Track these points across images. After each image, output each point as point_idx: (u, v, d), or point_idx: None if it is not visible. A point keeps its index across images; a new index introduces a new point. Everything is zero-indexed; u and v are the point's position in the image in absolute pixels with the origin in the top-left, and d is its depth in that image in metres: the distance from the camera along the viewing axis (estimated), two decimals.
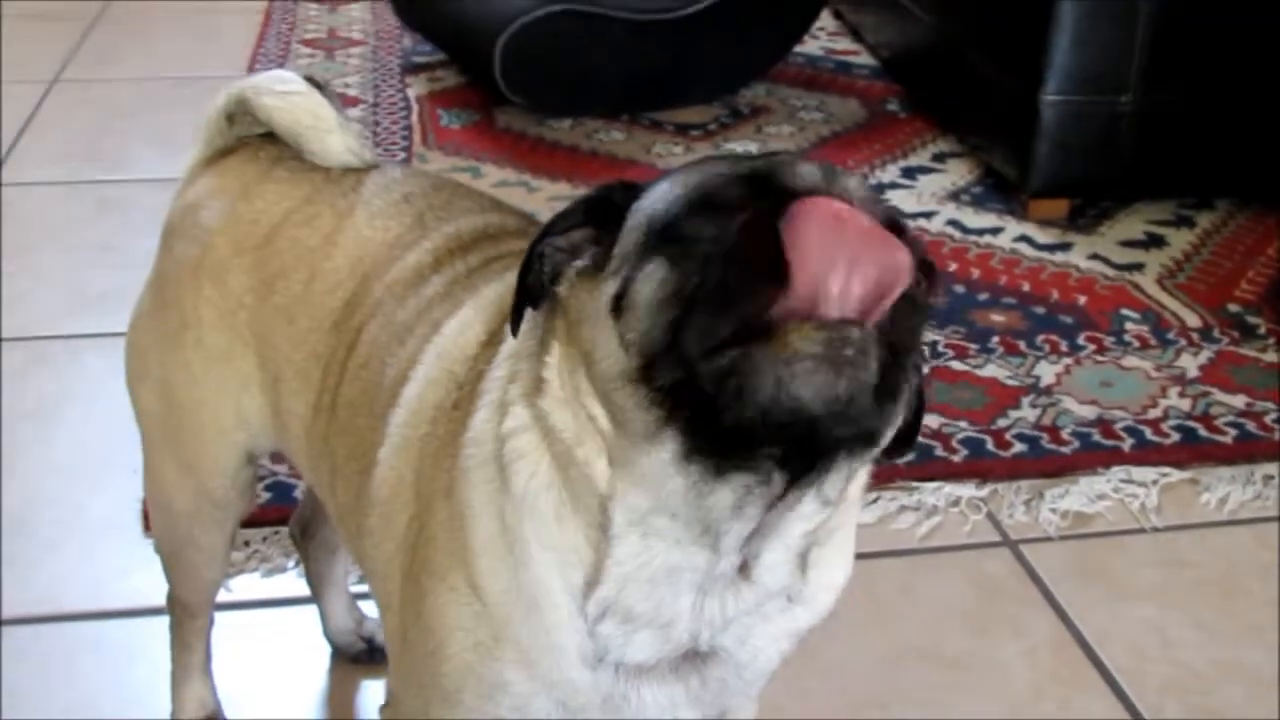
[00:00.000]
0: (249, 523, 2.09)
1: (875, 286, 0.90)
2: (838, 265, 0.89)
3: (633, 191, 1.08)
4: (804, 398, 0.90)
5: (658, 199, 1.04)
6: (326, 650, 1.98)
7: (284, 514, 2.15)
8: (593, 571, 1.08)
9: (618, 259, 1.03)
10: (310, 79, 1.53)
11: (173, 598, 1.75)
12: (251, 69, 4.23)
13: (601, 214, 1.08)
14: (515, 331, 1.11)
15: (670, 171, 1.08)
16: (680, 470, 0.99)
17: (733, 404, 0.91)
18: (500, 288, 1.28)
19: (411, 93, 4.12)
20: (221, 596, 1.88)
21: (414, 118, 3.92)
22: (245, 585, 2.10)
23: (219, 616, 1.83)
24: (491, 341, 1.21)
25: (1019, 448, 2.45)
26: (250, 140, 1.56)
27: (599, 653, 1.12)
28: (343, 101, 3.96)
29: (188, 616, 1.76)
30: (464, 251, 1.37)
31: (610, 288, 1.01)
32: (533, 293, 1.09)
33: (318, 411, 1.41)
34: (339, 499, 1.39)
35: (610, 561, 1.07)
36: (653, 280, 0.98)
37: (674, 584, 1.08)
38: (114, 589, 2.08)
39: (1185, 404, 2.59)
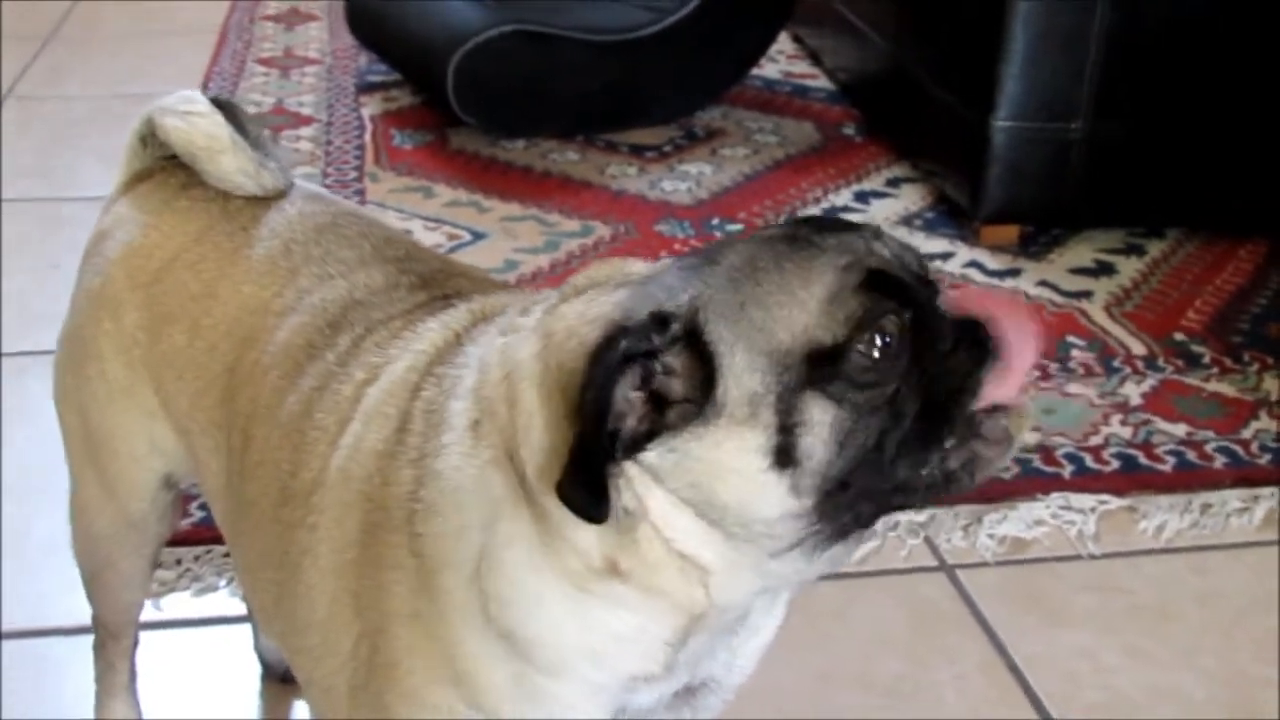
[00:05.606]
0: (180, 541, 2.09)
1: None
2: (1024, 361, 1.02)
3: (664, 322, 0.98)
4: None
5: (764, 326, 0.97)
6: (258, 669, 1.97)
7: (215, 533, 2.13)
8: (647, 673, 1.10)
9: (743, 403, 0.97)
10: (217, 100, 1.49)
11: (96, 618, 1.74)
12: (206, 87, 4.22)
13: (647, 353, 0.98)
14: (595, 515, 0.98)
15: (718, 277, 1.00)
16: (811, 561, 1.04)
17: (943, 491, 1.01)
18: (376, 391, 1.22)
19: (366, 112, 4.11)
20: (152, 615, 1.87)
21: (367, 137, 3.91)
22: (176, 604, 2.08)
23: (149, 636, 1.83)
24: (389, 454, 1.16)
25: None
26: (166, 165, 1.52)
27: (615, 714, 1.13)
28: (296, 120, 3.98)
29: (110, 638, 1.74)
30: (333, 330, 1.31)
31: (756, 440, 0.97)
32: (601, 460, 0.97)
33: (229, 486, 1.38)
34: (256, 598, 1.38)
35: (678, 659, 1.10)
36: (821, 429, 0.97)
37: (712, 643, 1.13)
38: (54, 607, 2.07)
39: (1126, 432, 2.61)
